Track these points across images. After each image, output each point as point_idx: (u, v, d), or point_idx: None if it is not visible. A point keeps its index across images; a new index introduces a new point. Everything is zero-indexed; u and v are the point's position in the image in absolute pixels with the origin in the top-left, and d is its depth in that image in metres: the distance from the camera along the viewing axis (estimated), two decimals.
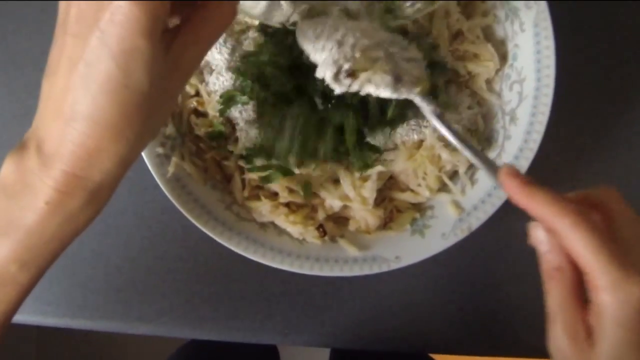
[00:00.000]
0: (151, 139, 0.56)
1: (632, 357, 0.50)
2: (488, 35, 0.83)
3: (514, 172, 0.57)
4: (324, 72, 0.65)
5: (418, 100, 0.66)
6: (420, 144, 0.80)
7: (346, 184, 0.79)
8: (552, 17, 0.77)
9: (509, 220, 0.86)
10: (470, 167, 0.81)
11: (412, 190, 0.82)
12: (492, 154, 0.81)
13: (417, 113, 0.79)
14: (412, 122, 0.79)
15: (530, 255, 0.87)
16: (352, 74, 0.65)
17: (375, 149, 0.79)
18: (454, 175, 0.82)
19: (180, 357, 1.16)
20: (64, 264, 0.88)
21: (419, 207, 0.83)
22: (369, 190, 0.79)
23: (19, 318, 0.86)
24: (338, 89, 0.66)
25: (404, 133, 0.79)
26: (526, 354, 0.89)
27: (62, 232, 0.53)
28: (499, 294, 0.89)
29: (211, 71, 0.80)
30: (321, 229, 0.80)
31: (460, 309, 0.89)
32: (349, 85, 0.65)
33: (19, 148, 0.52)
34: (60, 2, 0.51)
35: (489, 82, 0.82)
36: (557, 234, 0.53)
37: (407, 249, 0.79)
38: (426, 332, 0.89)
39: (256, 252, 0.78)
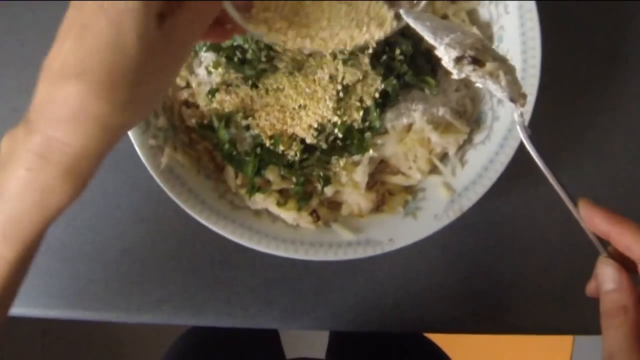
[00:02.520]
0: (138, 116, 0.56)
1: None
2: (473, 18, 0.83)
3: (593, 202, 0.57)
4: (445, 54, 0.64)
5: (517, 115, 0.64)
6: (409, 127, 0.81)
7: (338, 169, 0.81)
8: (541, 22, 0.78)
9: (500, 200, 0.88)
10: (460, 148, 0.82)
11: (403, 173, 0.83)
12: (481, 136, 0.81)
13: (406, 97, 0.80)
14: (402, 106, 0.79)
15: (522, 234, 0.89)
16: (476, 62, 0.63)
17: (375, 130, 0.80)
18: (444, 157, 0.83)
19: (183, 344, 1.17)
20: (63, 257, 0.89)
21: (411, 190, 0.83)
22: (361, 175, 0.80)
23: (20, 311, 0.87)
24: (456, 74, 0.64)
25: (394, 117, 0.79)
26: (520, 330, 0.90)
27: (43, 202, 0.52)
28: (493, 273, 0.91)
29: (200, 63, 0.81)
30: (314, 214, 0.81)
31: (454, 289, 0.90)
32: (470, 72, 0.64)
33: (15, 127, 0.53)
34: None
35: None
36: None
37: (400, 232, 0.80)
38: (421, 312, 0.90)
39: (251, 239, 0.79)
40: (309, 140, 0.77)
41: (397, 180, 0.83)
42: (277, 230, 0.81)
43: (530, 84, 0.78)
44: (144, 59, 0.50)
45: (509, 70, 0.63)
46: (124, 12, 0.49)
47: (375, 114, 0.78)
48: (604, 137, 0.91)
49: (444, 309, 0.90)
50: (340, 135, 0.78)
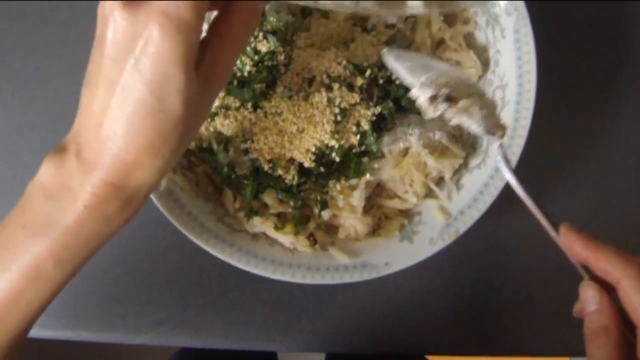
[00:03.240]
0: (185, 148, 0.57)
1: None
2: (470, 42, 0.84)
3: (573, 228, 0.59)
4: (420, 94, 0.66)
5: (496, 147, 0.66)
6: (406, 151, 0.81)
7: (335, 193, 0.81)
8: (533, 23, 0.78)
9: (496, 223, 0.88)
10: (456, 172, 0.82)
11: (399, 197, 0.83)
12: (477, 160, 0.82)
13: (403, 121, 0.80)
14: (398, 130, 0.80)
15: (518, 256, 0.89)
16: (450, 99, 0.65)
17: (371, 154, 0.80)
18: (440, 181, 0.83)
19: None
20: None
21: (407, 214, 0.84)
22: (358, 199, 0.80)
23: None
24: (432, 113, 0.66)
25: (390, 141, 0.80)
26: (517, 352, 0.91)
27: (99, 232, 0.55)
28: (489, 295, 0.91)
29: None
30: (311, 238, 0.81)
31: (450, 311, 0.90)
32: (444, 111, 0.65)
33: (58, 151, 0.54)
34: (98, 16, 0.52)
35: None
36: (619, 287, 0.54)
37: (396, 255, 0.80)
38: (419, 334, 0.91)
39: (249, 262, 0.79)
40: (306, 164, 0.78)
41: (394, 204, 0.83)
42: (275, 253, 0.81)
43: (526, 107, 0.78)
44: (188, 112, 0.51)
45: (485, 104, 0.65)
46: (163, 81, 0.49)
47: (372, 137, 0.78)
48: (602, 156, 0.91)
49: (441, 331, 0.91)
50: (337, 159, 0.78)
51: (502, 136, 0.66)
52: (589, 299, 0.56)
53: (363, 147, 0.80)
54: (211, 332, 0.90)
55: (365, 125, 0.78)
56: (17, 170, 0.92)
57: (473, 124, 0.65)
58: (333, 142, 0.77)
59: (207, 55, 0.53)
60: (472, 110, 0.65)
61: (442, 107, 0.65)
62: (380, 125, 0.80)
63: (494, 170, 0.79)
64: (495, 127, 0.66)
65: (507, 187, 0.76)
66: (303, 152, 0.77)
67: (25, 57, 0.93)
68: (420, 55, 0.72)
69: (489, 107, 0.66)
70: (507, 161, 0.65)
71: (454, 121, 0.66)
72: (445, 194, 0.82)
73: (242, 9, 0.54)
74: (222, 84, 0.56)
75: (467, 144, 0.83)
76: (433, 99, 0.65)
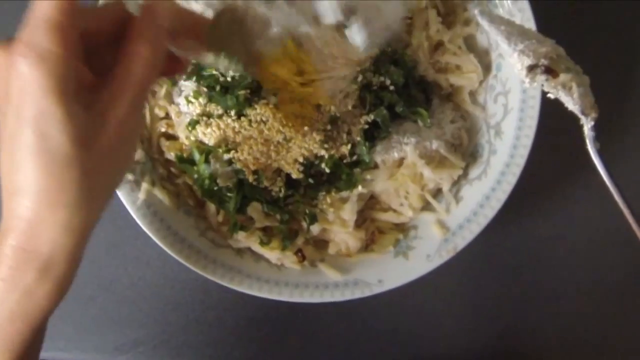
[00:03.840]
0: (103, 201, 0.52)
1: None
2: (471, 44, 0.80)
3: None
4: (518, 62, 0.63)
5: (587, 128, 0.63)
6: (401, 162, 0.77)
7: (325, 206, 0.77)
8: (537, 25, 0.74)
9: (498, 238, 0.84)
10: (455, 184, 0.79)
11: (394, 210, 0.80)
12: (477, 170, 0.78)
13: (398, 129, 0.76)
14: (393, 139, 0.76)
15: (520, 272, 0.86)
16: (550, 72, 0.62)
17: (364, 164, 0.77)
18: (437, 193, 0.80)
19: None
20: None
21: (402, 228, 0.80)
22: (349, 212, 0.77)
23: None
24: (527, 82, 0.63)
25: (384, 151, 0.76)
26: None
27: (23, 309, 0.50)
28: (490, 313, 0.87)
29: (180, 92, 0.77)
30: (300, 254, 0.78)
31: (447, 331, 0.88)
32: (543, 81, 0.63)
33: None
34: None
35: (472, 94, 0.80)
36: None
37: (390, 272, 0.77)
38: (413, 352, 0.88)
39: (232, 279, 0.76)
40: (294, 176, 0.74)
41: (388, 217, 0.80)
42: (261, 270, 0.78)
43: (530, 115, 0.75)
44: (83, 151, 0.47)
45: (582, 82, 0.62)
46: (41, 117, 0.45)
47: (364, 147, 0.74)
48: (610, 162, 0.87)
49: (438, 351, 0.88)
50: (327, 170, 0.75)
51: (594, 118, 0.63)
52: None
53: (355, 157, 0.76)
54: (194, 352, 0.87)
55: (357, 134, 0.74)
56: None
57: (570, 101, 0.62)
58: (322, 152, 0.73)
59: (103, 92, 0.49)
60: (571, 86, 0.62)
61: (540, 78, 0.62)
62: (374, 133, 0.76)
63: (495, 182, 0.76)
64: (590, 107, 0.63)
65: (510, 199, 0.73)
66: (290, 163, 0.74)
67: None
68: (512, 22, 0.68)
69: (585, 85, 0.63)
70: (595, 145, 0.63)
71: (551, 94, 0.63)
72: (443, 207, 0.78)
73: (138, 44, 0.50)
74: (124, 128, 0.50)
75: (466, 153, 0.80)
76: (531, 68, 0.62)
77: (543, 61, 0.62)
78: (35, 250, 0.48)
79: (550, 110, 0.75)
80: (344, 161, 0.75)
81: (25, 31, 0.46)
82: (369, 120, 0.74)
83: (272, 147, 0.73)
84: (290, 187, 0.76)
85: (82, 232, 0.50)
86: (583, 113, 0.62)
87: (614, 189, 0.59)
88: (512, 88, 0.76)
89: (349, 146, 0.74)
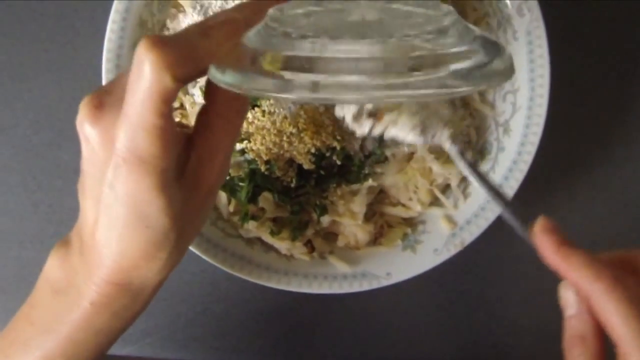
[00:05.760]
0: (191, 242, 0.57)
1: None
2: None
3: (549, 227, 0.52)
4: (344, 112, 0.63)
5: (448, 146, 0.62)
6: (410, 156, 0.78)
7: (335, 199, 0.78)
8: (546, 25, 0.75)
9: (504, 234, 0.85)
10: (463, 180, 0.79)
11: (403, 205, 0.80)
12: (485, 167, 0.79)
13: None
14: None
15: (528, 269, 0.86)
16: (375, 115, 0.61)
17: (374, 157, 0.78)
18: (446, 188, 0.80)
19: None
20: None
21: (411, 222, 0.81)
22: (359, 205, 0.77)
23: None
24: (359, 131, 0.63)
25: (394, 145, 0.77)
26: None
27: (109, 327, 0.54)
28: (495, 310, 0.88)
29: (195, 83, 0.78)
30: (309, 245, 0.79)
31: (454, 325, 0.88)
32: (371, 128, 0.62)
33: (63, 243, 0.54)
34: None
35: (481, 93, 0.81)
36: (590, 301, 0.49)
37: (398, 265, 0.77)
38: (420, 348, 0.88)
39: (242, 269, 0.77)
40: (306, 166, 0.75)
41: (397, 211, 0.80)
42: (270, 260, 0.78)
43: (538, 114, 0.76)
44: (177, 222, 0.49)
45: (424, 105, 0.61)
46: (142, 204, 0.47)
47: (374, 140, 0.76)
48: (618, 162, 0.88)
49: (443, 345, 0.88)
50: (339, 163, 0.75)
51: (450, 136, 0.61)
52: (568, 302, 0.52)
53: (366, 152, 0.77)
54: (201, 344, 0.87)
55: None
56: None
57: (407, 137, 0.61)
58: (335, 144, 0.74)
59: (192, 157, 0.50)
60: (402, 120, 0.60)
61: (368, 123, 0.61)
62: None
63: (503, 179, 0.77)
64: (441, 126, 0.61)
65: (517, 195, 0.75)
66: (302, 154, 0.74)
67: (8, 51, 0.89)
68: None
69: (430, 106, 0.61)
70: (464, 158, 0.60)
71: (387, 136, 0.62)
72: (451, 202, 0.79)
73: (223, 108, 0.51)
74: (213, 187, 0.52)
75: (475, 150, 0.80)
76: (358, 116, 0.61)
77: (367, 106, 0.61)
78: (128, 284, 0.51)
79: (558, 108, 0.77)
80: (356, 154, 0.76)
81: (124, 134, 0.45)
82: None
83: (284, 138, 0.74)
84: (301, 177, 0.76)
85: (171, 270, 0.53)
86: (430, 139, 0.61)
87: (497, 201, 0.58)
88: (520, 87, 0.77)
89: (360, 140, 0.76)
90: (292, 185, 0.76)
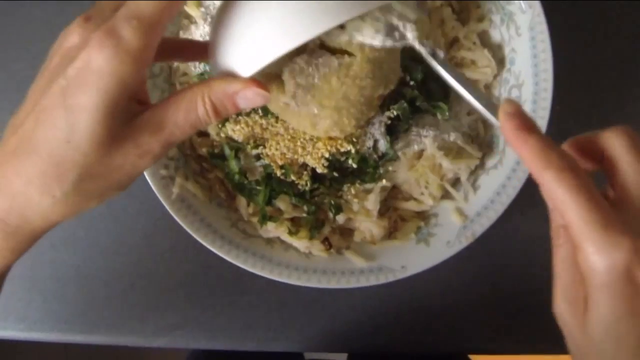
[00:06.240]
0: (78, 210, 0.53)
1: (621, 326, 0.46)
2: (485, 40, 0.83)
3: (514, 110, 0.51)
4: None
5: (417, 46, 0.61)
6: (420, 154, 0.80)
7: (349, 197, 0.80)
8: (548, 20, 0.76)
9: (514, 224, 0.86)
10: (472, 173, 0.81)
11: (415, 199, 0.82)
12: (493, 160, 0.81)
13: (417, 122, 0.79)
14: (413, 132, 0.79)
15: (538, 257, 0.88)
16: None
17: (386, 157, 0.79)
18: (456, 182, 0.82)
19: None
20: (80, 283, 0.90)
21: (423, 216, 0.83)
22: (373, 203, 0.80)
23: (40, 336, 0.90)
24: (326, 39, 0.63)
25: (404, 144, 0.79)
26: (539, 351, 0.90)
27: None
28: (511, 295, 0.90)
29: None
30: (326, 242, 0.81)
31: (467, 311, 0.90)
32: (337, 36, 0.62)
33: None
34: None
35: (487, 87, 0.82)
36: (542, 188, 0.49)
37: (412, 258, 0.79)
38: (438, 334, 0.90)
39: (263, 268, 0.79)
40: (319, 170, 0.77)
41: (409, 206, 0.82)
42: (290, 258, 0.80)
43: (542, 107, 0.77)
44: (98, 157, 0.49)
45: (389, 9, 0.60)
46: (82, 111, 0.47)
47: (387, 143, 0.77)
48: None
49: (458, 330, 0.90)
50: (354, 166, 0.77)
51: (417, 36, 0.60)
52: (549, 194, 0.49)
53: (379, 152, 0.79)
54: (228, 335, 0.90)
55: (380, 130, 0.77)
56: None
57: (373, 41, 0.61)
58: (349, 147, 0.76)
59: (142, 116, 0.51)
60: (365, 28, 0.60)
61: (335, 32, 0.62)
62: (395, 127, 0.78)
63: (511, 171, 0.78)
64: (408, 28, 0.60)
65: (526, 187, 0.76)
66: (316, 158, 0.76)
67: (18, 57, 0.93)
68: None
69: (395, 9, 0.60)
70: (434, 53, 0.60)
71: (354, 41, 0.62)
72: (462, 196, 0.81)
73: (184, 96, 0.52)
74: (146, 156, 0.52)
75: (483, 144, 0.82)
76: None
77: None
78: (6, 220, 0.51)
79: (563, 101, 0.78)
80: (370, 156, 0.78)
81: (114, 18, 0.47)
82: (392, 115, 0.77)
83: (298, 143, 0.76)
84: (315, 180, 0.79)
85: (49, 223, 0.53)
86: (393, 40, 0.60)
87: (465, 92, 0.57)
88: (525, 81, 0.78)
89: (372, 141, 0.77)
90: (307, 188, 0.78)
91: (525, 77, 0.78)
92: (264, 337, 0.90)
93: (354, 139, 0.76)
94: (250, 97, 0.52)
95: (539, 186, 0.49)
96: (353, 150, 0.76)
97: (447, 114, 0.79)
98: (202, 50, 0.59)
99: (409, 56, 0.76)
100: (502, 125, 0.51)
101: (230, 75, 0.53)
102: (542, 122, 0.77)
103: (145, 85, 0.55)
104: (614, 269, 0.44)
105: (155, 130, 0.51)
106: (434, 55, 0.60)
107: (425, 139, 0.78)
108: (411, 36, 0.61)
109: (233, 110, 0.53)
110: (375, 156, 0.78)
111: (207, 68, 0.79)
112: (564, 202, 0.46)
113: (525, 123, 0.50)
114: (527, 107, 0.78)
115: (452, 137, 0.79)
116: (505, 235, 0.87)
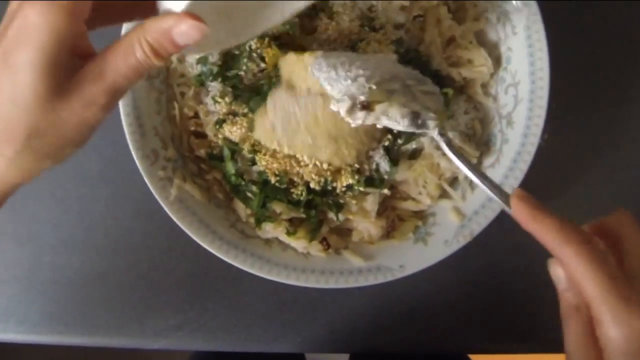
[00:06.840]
0: (37, 167, 0.54)
1: None
2: (481, 38, 0.83)
3: (524, 195, 0.54)
4: (339, 106, 0.65)
5: (435, 136, 0.66)
6: (418, 154, 0.80)
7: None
8: (544, 19, 0.77)
9: (512, 223, 0.86)
10: None
11: (413, 199, 0.82)
12: (490, 159, 0.81)
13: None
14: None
15: (535, 256, 0.87)
16: (367, 107, 0.64)
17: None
18: (454, 181, 0.82)
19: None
20: (78, 284, 0.90)
21: (421, 215, 0.83)
22: (371, 204, 0.80)
23: (34, 339, 0.90)
24: (353, 123, 0.66)
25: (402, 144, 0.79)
26: (545, 350, 0.90)
27: None
28: (506, 294, 0.90)
29: (208, 93, 0.80)
30: (324, 242, 0.81)
31: (466, 310, 0.90)
32: (364, 119, 0.65)
33: None
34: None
35: (484, 86, 0.82)
36: (562, 265, 0.51)
37: (410, 258, 0.80)
38: (437, 332, 0.90)
39: (262, 268, 0.79)
40: (313, 186, 0.77)
41: (407, 205, 0.82)
42: (288, 258, 0.81)
43: (539, 105, 0.78)
44: (44, 114, 0.50)
45: (414, 97, 0.66)
46: (23, 67, 0.48)
47: (389, 168, 0.79)
48: (617, 152, 0.89)
49: (457, 329, 0.90)
50: (362, 189, 0.78)
51: (437, 125, 0.66)
52: (558, 277, 0.53)
53: (382, 175, 0.79)
54: (228, 335, 0.90)
55: (380, 154, 0.78)
56: None
57: (398, 125, 0.65)
58: (351, 181, 0.77)
59: (84, 69, 0.52)
60: (392, 111, 0.65)
61: (360, 115, 0.65)
62: (393, 131, 0.78)
63: (508, 170, 0.78)
64: (430, 117, 0.66)
65: (523, 185, 0.77)
66: (313, 178, 0.77)
67: None
68: (346, 56, 0.70)
69: (418, 99, 0.66)
70: (450, 145, 0.66)
71: (380, 125, 0.66)
72: (459, 194, 0.81)
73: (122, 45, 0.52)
74: (91, 109, 0.52)
75: (480, 143, 0.82)
76: (351, 109, 0.65)
77: (360, 99, 0.64)
78: None
79: (559, 100, 0.79)
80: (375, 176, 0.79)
81: None
82: (388, 142, 0.78)
83: (293, 162, 0.77)
84: (310, 191, 0.78)
85: (8, 187, 0.54)
86: (419, 128, 0.65)
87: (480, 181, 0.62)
88: (521, 80, 0.79)
89: (375, 164, 0.78)
90: (302, 198, 0.78)
91: (521, 75, 0.79)
92: (263, 338, 0.90)
93: (357, 166, 0.77)
94: (186, 31, 0.51)
95: (547, 269, 0.54)
96: (355, 183, 0.77)
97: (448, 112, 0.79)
98: (152, 7, 0.57)
99: (404, 59, 0.77)
100: (515, 208, 0.54)
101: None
102: (539, 120, 0.77)
103: (86, 38, 0.54)
104: (633, 338, 0.46)
105: (96, 79, 0.51)
106: (448, 144, 0.66)
107: (422, 139, 0.79)
108: (432, 125, 0.66)
109: (172, 48, 0.52)
110: (380, 175, 0.79)
111: (204, 69, 0.79)
112: (585, 277, 0.48)
113: (538, 205, 0.53)
114: (524, 106, 0.78)
115: (450, 136, 0.79)
116: (503, 234, 0.87)
